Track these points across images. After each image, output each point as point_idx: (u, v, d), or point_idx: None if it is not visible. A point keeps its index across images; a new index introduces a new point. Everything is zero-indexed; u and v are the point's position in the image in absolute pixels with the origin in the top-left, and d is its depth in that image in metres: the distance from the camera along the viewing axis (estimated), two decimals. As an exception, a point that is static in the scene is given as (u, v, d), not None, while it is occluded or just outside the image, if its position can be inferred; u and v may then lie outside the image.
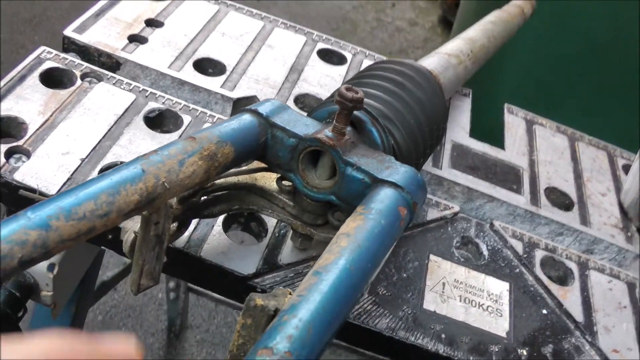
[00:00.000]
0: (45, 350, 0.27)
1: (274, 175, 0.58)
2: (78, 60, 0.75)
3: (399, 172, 0.52)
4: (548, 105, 1.43)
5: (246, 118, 0.54)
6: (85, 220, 0.40)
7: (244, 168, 0.58)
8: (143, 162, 0.46)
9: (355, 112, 0.55)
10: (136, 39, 0.79)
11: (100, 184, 0.42)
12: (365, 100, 0.59)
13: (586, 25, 1.37)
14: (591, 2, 1.35)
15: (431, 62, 0.76)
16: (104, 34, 0.78)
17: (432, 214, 0.70)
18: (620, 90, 1.36)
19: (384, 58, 0.89)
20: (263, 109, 0.55)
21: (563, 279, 0.73)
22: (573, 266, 0.72)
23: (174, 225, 0.55)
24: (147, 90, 0.73)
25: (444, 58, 0.78)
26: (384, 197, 0.50)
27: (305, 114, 0.60)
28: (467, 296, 0.65)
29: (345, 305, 0.41)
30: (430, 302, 0.62)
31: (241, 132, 0.53)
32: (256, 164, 0.58)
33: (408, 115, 0.60)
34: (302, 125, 0.55)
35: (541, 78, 1.44)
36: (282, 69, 0.81)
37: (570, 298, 0.69)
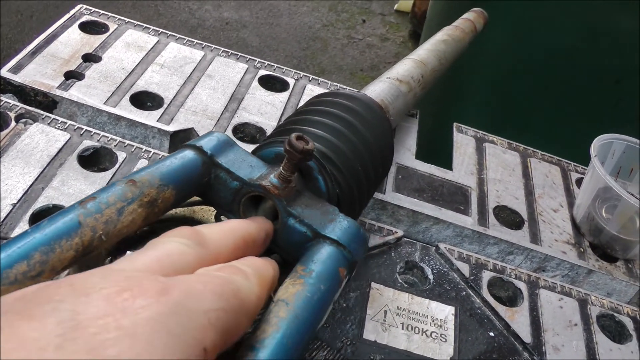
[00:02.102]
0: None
1: (213, 209, 0.57)
2: (13, 102, 0.73)
3: (342, 227, 0.50)
4: (510, 117, 1.43)
5: (189, 156, 0.51)
6: (17, 284, 0.37)
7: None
8: (80, 213, 0.43)
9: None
10: (73, 76, 0.79)
11: (33, 240, 0.39)
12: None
13: (547, 37, 1.38)
14: (552, 14, 1.36)
15: (381, 90, 0.73)
16: (39, 72, 0.77)
17: (375, 240, 0.69)
18: (580, 101, 1.37)
19: (328, 83, 0.88)
20: (208, 147, 0.52)
21: (513, 299, 0.72)
22: (522, 286, 0.71)
23: (108, 260, 0.53)
24: (83, 128, 0.72)
25: (394, 86, 0.76)
26: (325, 257, 0.47)
27: (250, 149, 0.57)
28: (410, 323, 0.64)
29: None
30: (371, 332, 0.61)
31: (184, 173, 0.50)
32: (195, 197, 0.56)
33: (355, 160, 0.57)
34: (247, 166, 0.53)
35: (503, 90, 1.45)
36: (222, 98, 0.80)
37: (518, 319, 0.68)
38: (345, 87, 0.87)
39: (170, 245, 0.36)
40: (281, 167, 0.49)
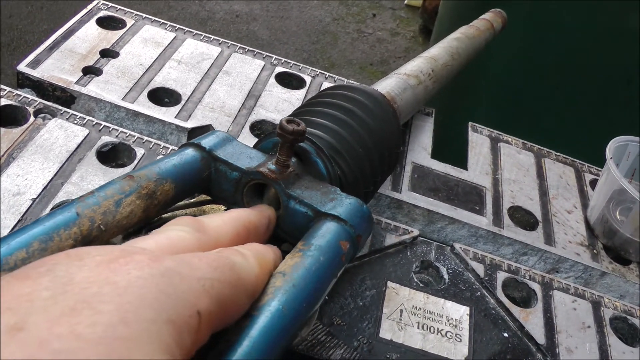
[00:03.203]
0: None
1: (223, 207, 0.58)
2: (32, 97, 0.74)
3: (343, 204, 0.52)
4: (522, 117, 1.43)
5: (188, 153, 0.54)
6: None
7: (192, 201, 0.57)
8: (78, 205, 0.45)
9: (300, 143, 0.55)
10: (91, 71, 0.79)
11: (33, 231, 0.41)
12: (311, 130, 0.59)
13: (558, 37, 1.37)
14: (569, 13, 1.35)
15: (388, 84, 0.75)
16: (57, 68, 0.78)
17: (391, 239, 0.70)
18: (591, 101, 1.36)
19: (344, 80, 0.89)
20: (206, 143, 0.54)
21: (526, 300, 0.72)
22: (536, 287, 0.72)
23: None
24: (101, 124, 0.72)
25: (402, 79, 0.78)
26: (325, 232, 0.49)
27: (252, 145, 0.59)
28: (426, 322, 0.64)
29: (275, 349, 0.40)
30: (387, 331, 0.62)
31: (182, 168, 0.52)
32: (203, 196, 0.57)
33: (356, 143, 0.59)
34: (246, 158, 0.55)
35: (515, 90, 1.44)
36: (239, 95, 0.80)
37: (532, 320, 0.68)
38: (354, 82, 0.87)
39: (171, 232, 0.37)
40: (277, 153, 0.51)
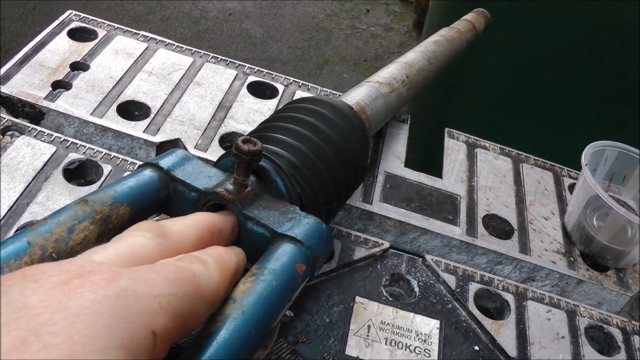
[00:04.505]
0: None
1: None
2: (1, 114, 0.73)
3: (300, 224, 0.51)
4: (509, 118, 1.42)
5: (146, 173, 0.53)
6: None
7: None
8: (29, 234, 0.45)
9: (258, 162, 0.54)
10: (60, 85, 0.78)
11: None
12: (271, 147, 0.58)
13: (548, 31, 1.36)
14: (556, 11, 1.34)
15: (358, 93, 0.74)
16: (27, 83, 0.77)
17: (360, 252, 0.69)
18: (583, 96, 1.35)
19: (318, 88, 0.88)
20: (164, 163, 0.54)
21: (500, 311, 0.71)
22: (509, 297, 0.71)
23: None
24: (69, 141, 0.72)
25: (373, 88, 0.77)
26: (280, 254, 0.49)
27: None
28: (394, 338, 0.63)
29: None
30: (353, 348, 0.61)
31: (139, 190, 0.52)
32: (164, 216, 0.57)
33: (318, 159, 0.59)
34: (205, 177, 0.54)
35: (504, 88, 1.43)
36: (209, 107, 0.79)
37: (504, 332, 0.68)
38: (325, 94, 0.86)
39: (131, 238, 0.37)
40: (235, 173, 0.51)
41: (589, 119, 1.39)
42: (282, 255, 0.49)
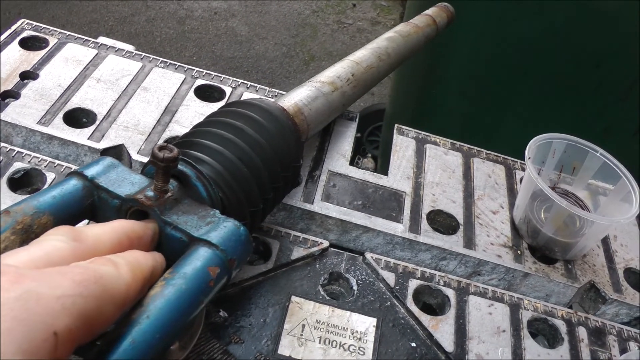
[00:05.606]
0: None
1: None
2: (-54, 125, 0.75)
3: (218, 227, 0.52)
4: (486, 111, 1.42)
5: (71, 182, 0.54)
6: None
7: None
8: None
9: (180, 167, 0.55)
10: (9, 95, 0.79)
11: None
12: (194, 152, 0.59)
13: (522, 22, 1.36)
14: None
15: (297, 94, 0.75)
16: (-26, 94, 0.78)
17: (298, 252, 0.70)
18: (559, 86, 1.35)
19: (266, 89, 0.89)
20: (89, 171, 0.55)
21: (442, 307, 0.72)
22: (450, 293, 0.72)
23: None
24: (15, 150, 0.73)
25: (314, 88, 0.77)
26: (194, 258, 0.49)
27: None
28: (328, 337, 0.64)
29: None
30: (286, 347, 0.62)
31: (62, 199, 0.53)
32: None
33: (242, 163, 0.60)
34: (129, 184, 0.55)
35: (479, 80, 1.43)
36: (155, 112, 0.80)
37: (442, 328, 0.68)
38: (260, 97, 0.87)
39: (45, 242, 0.38)
40: (154, 179, 0.52)
41: (567, 109, 1.39)
42: (196, 259, 0.49)
